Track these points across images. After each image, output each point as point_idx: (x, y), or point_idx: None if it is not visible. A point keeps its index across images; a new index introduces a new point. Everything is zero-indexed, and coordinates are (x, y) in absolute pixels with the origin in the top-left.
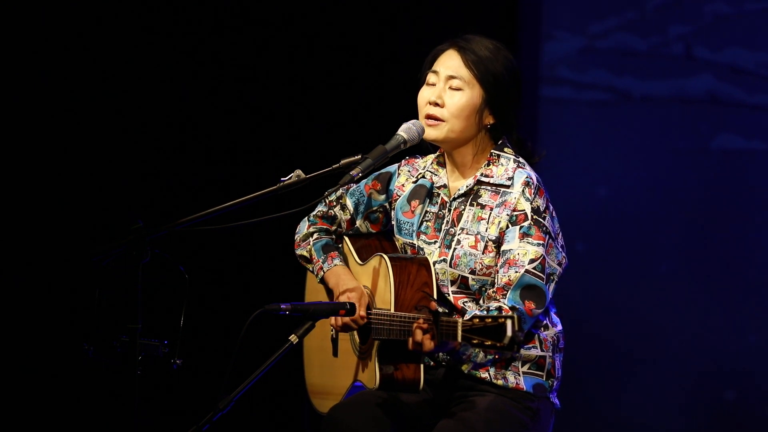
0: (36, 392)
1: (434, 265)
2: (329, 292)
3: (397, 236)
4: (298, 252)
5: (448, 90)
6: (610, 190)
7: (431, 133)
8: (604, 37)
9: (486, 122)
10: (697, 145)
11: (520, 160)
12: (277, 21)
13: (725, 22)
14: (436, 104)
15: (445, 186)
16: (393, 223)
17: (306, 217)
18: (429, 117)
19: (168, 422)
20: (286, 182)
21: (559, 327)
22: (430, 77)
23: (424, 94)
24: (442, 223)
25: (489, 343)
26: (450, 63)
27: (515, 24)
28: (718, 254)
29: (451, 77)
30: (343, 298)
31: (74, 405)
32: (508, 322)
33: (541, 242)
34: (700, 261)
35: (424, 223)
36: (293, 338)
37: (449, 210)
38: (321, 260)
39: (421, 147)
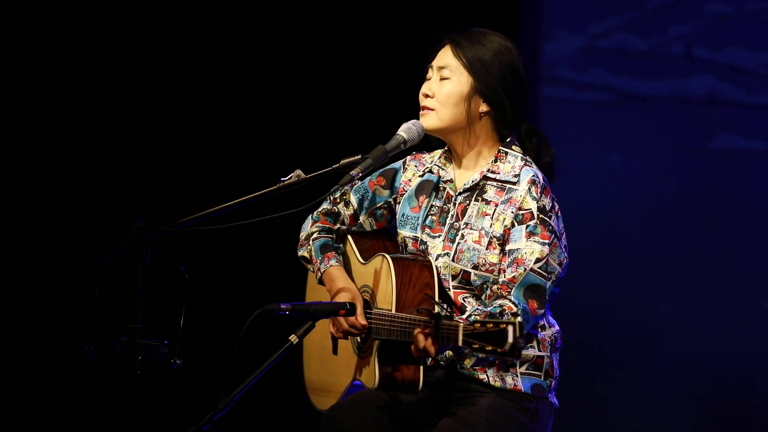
0: (36, 392)
1: (437, 259)
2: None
3: (399, 230)
4: (300, 253)
5: (439, 81)
6: (609, 191)
7: (423, 123)
8: (604, 37)
9: (480, 110)
10: (696, 145)
11: (528, 159)
12: (277, 20)
13: (725, 22)
14: (428, 96)
15: (451, 180)
16: (397, 217)
17: (310, 215)
18: (422, 108)
19: (168, 422)
20: (286, 182)
21: (557, 327)
22: (428, 72)
23: (421, 89)
24: (447, 217)
25: (490, 348)
26: (442, 55)
27: (515, 24)
28: (718, 254)
29: (441, 68)
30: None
31: (74, 405)
32: (510, 328)
33: (547, 241)
34: (699, 261)
35: (429, 216)
36: (293, 338)
37: (454, 204)
38: (319, 261)
39: (428, 142)
